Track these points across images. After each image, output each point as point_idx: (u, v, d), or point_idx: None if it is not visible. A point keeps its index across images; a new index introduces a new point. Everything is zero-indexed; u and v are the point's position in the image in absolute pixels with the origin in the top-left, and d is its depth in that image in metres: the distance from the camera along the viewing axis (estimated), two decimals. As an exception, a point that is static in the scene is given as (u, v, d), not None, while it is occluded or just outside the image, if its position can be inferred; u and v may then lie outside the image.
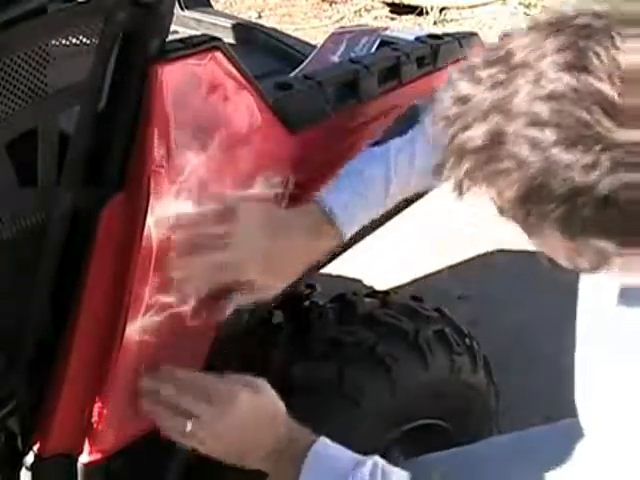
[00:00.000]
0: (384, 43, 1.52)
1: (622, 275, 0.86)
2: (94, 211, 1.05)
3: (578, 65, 0.77)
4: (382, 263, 2.65)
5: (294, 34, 1.91)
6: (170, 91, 1.03)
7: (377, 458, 1.10)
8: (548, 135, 0.77)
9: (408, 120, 1.26)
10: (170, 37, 1.04)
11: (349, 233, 1.19)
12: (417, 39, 1.51)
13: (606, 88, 0.76)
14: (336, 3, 4.98)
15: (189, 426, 1.10)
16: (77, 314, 1.09)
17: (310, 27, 4.68)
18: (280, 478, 1.14)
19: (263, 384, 1.14)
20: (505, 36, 0.84)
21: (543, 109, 0.77)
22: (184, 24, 1.66)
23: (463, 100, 0.82)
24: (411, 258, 2.74)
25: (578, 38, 0.78)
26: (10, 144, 0.94)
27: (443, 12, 4.71)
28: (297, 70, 1.48)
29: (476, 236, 2.81)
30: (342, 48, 1.55)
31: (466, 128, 0.82)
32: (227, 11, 4.01)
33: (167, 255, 1.10)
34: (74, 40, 0.98)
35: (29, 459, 1.18)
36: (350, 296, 1.62)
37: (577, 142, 0.76)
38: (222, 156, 1.13)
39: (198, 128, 1.09)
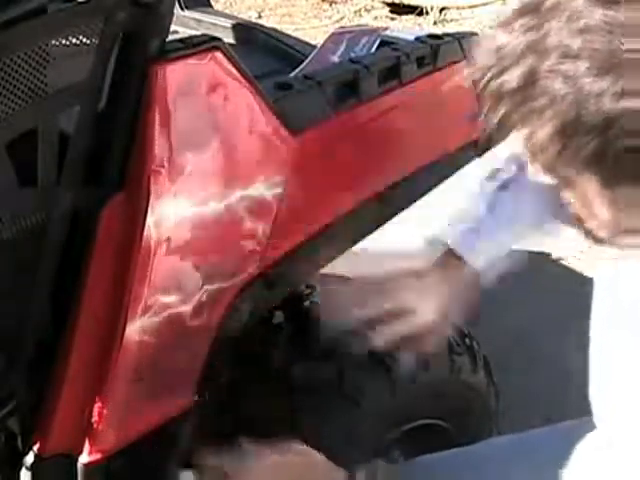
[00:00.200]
0: (384, 43, 1.52)
1: None
2: (94, 211, 1.05)
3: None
4: (382, 263, 2.64)
5: (294, 34, 1.91)
6: (170, 91, 1.03)
7: None
8: (579, 65, 0.77)
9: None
10: (170, 37, 1.04)
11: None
12: (417, 39, 1.51)
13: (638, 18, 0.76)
14: (336, 3, 4.99)
15: None
16: (77, 314, 1.09)
17: (310, 27, 4.68)
18: None
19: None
20: None
21: (576, 42, 0.78)
22: (184, 24, 1.66)
23: (497, 49, 0.83)
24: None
25: None
26: (10, 144, 0.94)
27: (443, 12, 4.71)
28: (297, 70, 1.48)
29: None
30: (342, 48, 1.55)
31: (502, 72, 0.82)
32: (227, 11, 4.01)
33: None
34: (74, 40, 0.98)
35: (29, 459, 1.18)
36: (350, 296, 1.61)
37: (608, 71, 0.76)
38: (222, 156, 1.13)
39: (198, 128, 1.09)
